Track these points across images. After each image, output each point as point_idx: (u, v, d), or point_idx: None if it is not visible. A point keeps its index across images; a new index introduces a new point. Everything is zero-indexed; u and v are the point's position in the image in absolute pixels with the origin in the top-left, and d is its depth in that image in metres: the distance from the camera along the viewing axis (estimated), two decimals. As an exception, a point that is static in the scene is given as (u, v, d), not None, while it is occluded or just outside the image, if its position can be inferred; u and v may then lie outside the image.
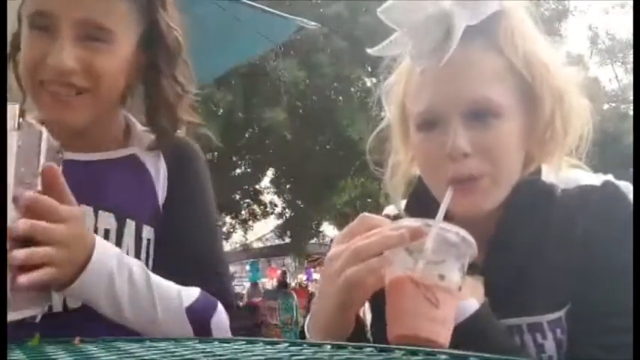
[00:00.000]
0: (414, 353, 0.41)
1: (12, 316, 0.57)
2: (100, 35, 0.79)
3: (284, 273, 10.83)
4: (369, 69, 8.38)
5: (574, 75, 0.74)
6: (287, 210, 11.19)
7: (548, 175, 0.73)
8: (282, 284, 9.52)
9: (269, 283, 13.07)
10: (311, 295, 9.51)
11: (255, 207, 11.33)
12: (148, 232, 0.85)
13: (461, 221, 0.59)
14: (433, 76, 0.70)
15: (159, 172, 0.89)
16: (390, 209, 0.85)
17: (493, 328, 0.63)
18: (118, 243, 0.82)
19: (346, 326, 0.63)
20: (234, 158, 9.40)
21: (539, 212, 0.70)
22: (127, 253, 0.81)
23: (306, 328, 0.66)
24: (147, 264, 0.84)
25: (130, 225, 0.84)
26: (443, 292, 0.54)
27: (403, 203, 0.81)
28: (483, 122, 0.67)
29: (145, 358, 0.45)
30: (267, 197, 11.34)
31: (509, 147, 0.69)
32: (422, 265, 0.54)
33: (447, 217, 0.65)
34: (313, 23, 3.35)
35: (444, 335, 0.54)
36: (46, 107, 0.80)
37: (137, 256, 0.83)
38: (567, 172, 0.74)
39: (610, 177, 0.71)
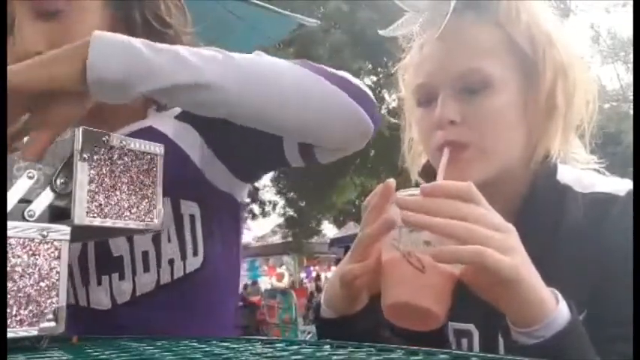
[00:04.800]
0: (414, 353, 0.41)
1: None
2: (63, 6, 0.74)
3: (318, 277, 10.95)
4: (370, 65, 8.38)
5: (586, 51, 0.75)
6: (287, 209, 11.21)
7: (563, 174, 0.72)
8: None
9: (268, 281, 13.11)
10: (310, 295, 9.55)
11: (254, 206, 11.34)
12: (187, 206, 0.78)
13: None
14: (429, 51, 0.71)
15: (187, 135, 0.79)
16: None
17: (582, 346, 0.56)
18: None
19: (352, 304, 0.63)
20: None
21: (551, 213, 0.69)
22: (169, 234, 0.77)
23: (322, 297, 0.67)
24: (194, 242, 0.78)
25: (166, 203, 0.74)
26: (429, 256, 0.53)
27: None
28: (474, 94, 0.68)
29: (144, 356, 0.45)
30: (267, 196, 11.37)
31: (501, 119, 0.69)
32: (405, 234, 0.54)
33: None
34: (313, 20, 3.34)
35: (430, 299, 0.53)
36: None
37: (180, 236, 0.77)
38: (583, 175, 0.72)
39: (630, 184, 0.69)
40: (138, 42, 0.60)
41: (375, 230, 0.57)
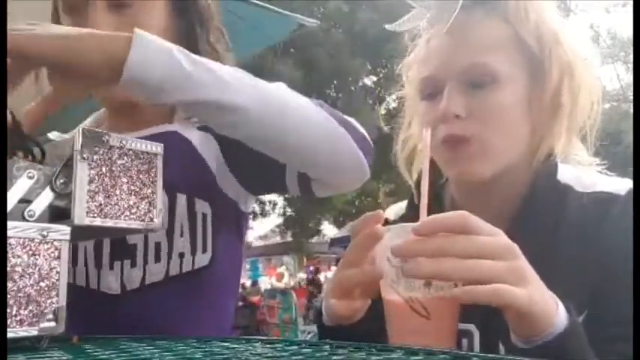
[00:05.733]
0: (414, 353, 0.41)
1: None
2: (131, 3, 0.79)
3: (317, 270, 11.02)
4: (369, 66, 8.37)
5: (591, 51, 0.75)
6: (287, 209, 11.20)
7: (563, 174, 0.72)
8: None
9: (268, 281, 13.11)
10: (310, 294, 9.55)
11: (254, 206, 11.34)
12: (201, 205, 0.82)
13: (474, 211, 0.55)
14: (437, 45, 0.72)
15: (208, 144, 0.84)
16: (392, 212, 0.85)
17: (580, 347, 0.55)
18: (171, 219, 0.80)
19: (349, 320, 0.62)
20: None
21: (552, 213, 0.69)
22: (182, 229, 0.80)
23: (323, 304, 0.66)
24: (204, 240, 0.82)
25: (181, 199, 0.80)
26: (432, 299, 0.50)
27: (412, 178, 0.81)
28: (480, 88, 0.68)
29: (143, 356, 0.45)
30: (267, 196, 11.35)
31: (506, 115, 0.69)
32: (403, 277, 0.51)
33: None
34: (313, 20, 3.34)
35: (440, 342, 0.51)
36: None
37: (192, 232, 0.81)
38: (584, 174, 0.72)
39: (630, 183, 0.69)
40: (177, 50, 0.61)
41: (362, 278, 0.56)
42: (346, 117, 0.74)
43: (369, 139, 0.75)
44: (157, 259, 0.80)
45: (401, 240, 0.51)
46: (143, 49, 0.58)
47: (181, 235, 0.81)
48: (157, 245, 0.80)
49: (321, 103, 0.73)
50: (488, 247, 0.50)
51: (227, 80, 0.63)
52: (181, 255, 0.81)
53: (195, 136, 0.84)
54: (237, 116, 0.64)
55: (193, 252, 0.81)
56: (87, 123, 0.93)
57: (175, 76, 0.60)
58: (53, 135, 0.66)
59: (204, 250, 0.82)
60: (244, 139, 0.70)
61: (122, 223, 0.57)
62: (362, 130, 0.74)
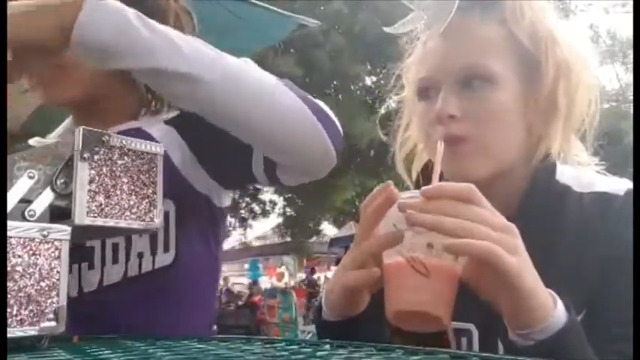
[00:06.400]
0: (413, 353, 0.41)
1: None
2: None
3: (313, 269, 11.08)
4: (369, 66, 8.38)
5: (589, 50, 0.74)
6: (287, 208, 11.20)
7: (562, 174, 0.72)
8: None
9: (268, 281, 13.12)
10: (310, 294, 9.56)
11: (254, 205, 11.34)
12: (164, 204, 0.81)
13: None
14: (434, 46, 0.72)
15: (169, 136, 0.81)
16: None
17: (580, 346, 0.56)
18: None
19: (357, 308, 0.63)
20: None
21: (551, 213, 0.69)
22: None
23: (323, 301, 0.66)
24: (165, 239, 0.79)
25: None
26: (432, 260, 0.52)
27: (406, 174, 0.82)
28: (475, 89, 0.68)
29: (143, 356, 0.45)
30: (267, 196, 11.36)
31: (502, 115, 0.69)
32: (407, 239, 0.54)
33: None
34: (313, 21, 3.35)
35: (436, 305, 0.53)
36: None
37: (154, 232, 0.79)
38: (582, 174, 0.72)
39: (628, 183, 0.69)
40: (133, 14, 0.59)
41: (382, 245, 0.57)
42: (318, 102, 0.72)
43: (338, 125, 0.73)
44: (115, 260, 0.79)
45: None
46: (94, 10, 0.57)
47: (140, 235, 0.78)
48: (115, 246, 0.78)
49: (291, 85, 0.71)
50: (489, 219, 0.53)
51: (185, 51, 0.61)
52: (140, 255, 0.79)
53: (156, 131, 0.82)
54: (192, 86, 0.62)
55: (153, 252, 0.79)
56: (61, 127, 0.91)
57: (130, 40, 0.58)
58: (33, 141, 0.66)
59: (166, 250, 0.80)
60: (202, 112, 0.67)
61: (122, 223, 0.57)
62: (332, 115, 0.73)
